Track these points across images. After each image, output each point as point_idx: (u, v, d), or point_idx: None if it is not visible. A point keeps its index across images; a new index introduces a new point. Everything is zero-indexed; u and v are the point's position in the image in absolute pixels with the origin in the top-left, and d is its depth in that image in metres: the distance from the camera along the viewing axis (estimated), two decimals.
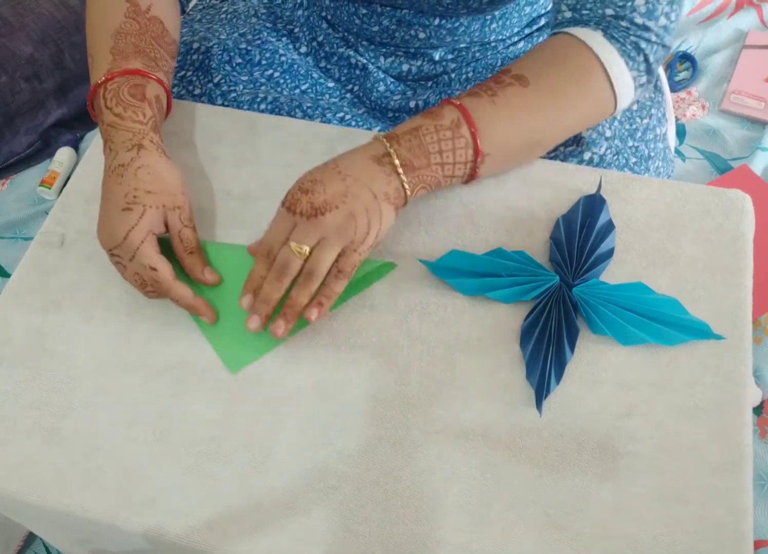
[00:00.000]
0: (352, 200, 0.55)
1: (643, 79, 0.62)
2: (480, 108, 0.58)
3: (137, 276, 0.58)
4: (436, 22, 0.72)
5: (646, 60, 0.61)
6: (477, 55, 0.78)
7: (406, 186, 0.57)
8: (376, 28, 0.75)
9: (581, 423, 0.55)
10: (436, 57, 0.77)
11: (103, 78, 0.62)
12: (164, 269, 0.57)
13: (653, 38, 0.60)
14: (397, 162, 0.56)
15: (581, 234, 0.61)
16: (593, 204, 0.63)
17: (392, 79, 0.79)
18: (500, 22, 0.74)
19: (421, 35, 0.74)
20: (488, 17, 0.73)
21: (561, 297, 0.59)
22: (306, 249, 0.55)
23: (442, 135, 0.57)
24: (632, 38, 0.60)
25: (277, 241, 0.56)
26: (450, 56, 0.78)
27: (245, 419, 0.56)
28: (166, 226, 0.59)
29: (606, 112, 0.63)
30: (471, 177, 0.60)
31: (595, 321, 0.57)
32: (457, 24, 0.72)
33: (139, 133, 0.60)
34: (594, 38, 0.60)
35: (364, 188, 0.56)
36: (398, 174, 0.57)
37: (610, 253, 0.61)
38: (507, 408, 0.55)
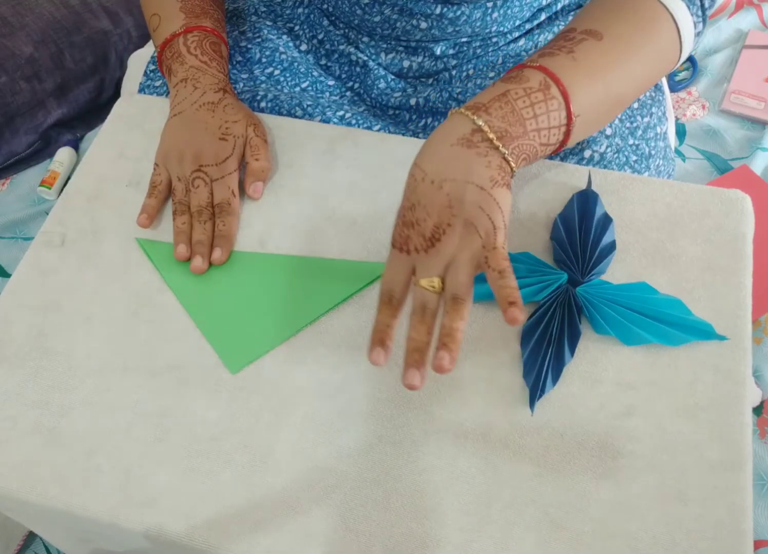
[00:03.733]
0: (459, 208, 0.50)
1: (700, 26, 0.61)
2: (563, 66, 0.55)
3: (210, 195, 0.64)
4: (438, 10, 0.72)
5: (702, 5, 0.60)
6: (478, 51, 0.78)
7: (509, 158, 0.51)
8: (377, 19, 0.75)
9: (581, 422, 0.55)
10: (437, 51, 0.77)
11: (182, 29, 0.70)
12: (238, 200, 0.65)
13: None
14: (492, 136, 0.51)
15: (581, 230, 0.61)
16: (587, 199, 0.63)
17: (393, 76, 0.79)
18: (501, 11, 0.74)
19: (423, 25, 0.74)
20: (489, 5, 0.72)
21: (565, 299, 0.59)
22: (438, 281, 0.50)
23: (534, 98, 0.53)
24: None
25: (398, 283, 0.51)
26: (451, 51, 0.77)
27: (245, 419, 0.56)
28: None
29: (673, 61, 0.62)
30: (562, 144, 0.56)
31: (598, 321, 0.57)
32: (458, 13, 0.72)
33: (222, 81, 0.69)
34: None
35: (467, 186, 0.50)
36: (497, 148, 0.51)
37: (612, 245, 0.61)
38: (507, 408, 0.55)
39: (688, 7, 0.59)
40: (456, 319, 0.49)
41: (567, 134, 0.55)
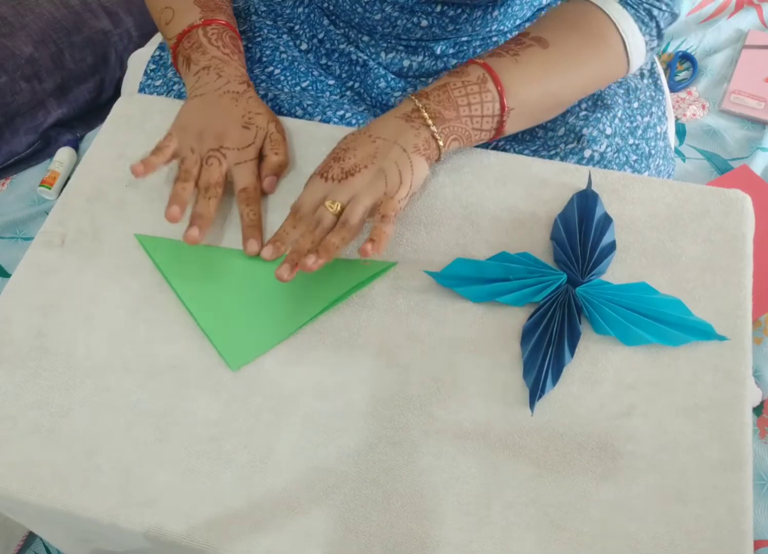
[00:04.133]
0: (380, 158, 0.59)
1: (654, 43, 0.67)
2: (504, 66, 0.62)
3: (222, 176, 0.64)
4: (439, 8, 0.72)
5: (657, 26, 0.65)
6: (478, 50, 0.78)
7: (437, 136, 0.60)
8: (378, 16, 0.74)
9: (581, 422, 0.55)
10: (438, 51, 0.77)
11: (201, 21, 0.70)
12: (259, 186, 0.65)
13: (664, 7, 0.65)
14: (426, 115, 0.60)
15: (581, 230, 0.61)
16: (587, 199, 0.63)
17: (393, 76, 0.79)
18: (502, 10, 0.74)
19: (424, 23, 0.74)
20: (490, 4, 0.73)
21: (565, 299, 0.59)
22: (338, 205, 0.58)
23: (469, 89, 0.61)
24: (645, 5, 0.64)
25: (309, 203, 0.60)
26: (451, 50, 0.77)
27: (245, 419, 0.56)
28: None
29: (619, 73, 0.68)
30: (498, 131, 0.64)
31: (598, 321, 0.57)
32: (459, 11, 0.72)
33: (244, 75, 0.70)
34: (610, 4, 0.64)
35: (393, 145, 0.59)
36: (428, 126, 0.60)
37: (612, 245, 0.61)
38: (507, 408, 0.55)
39: (640, 28, 0.65)
40: (336, 236, 0.57)
41: (501, 123, 0.63)
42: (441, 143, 0.61)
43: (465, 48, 0.77)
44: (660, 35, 0.67)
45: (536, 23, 0.66)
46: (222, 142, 0.65)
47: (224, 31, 0.71)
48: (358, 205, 0.58)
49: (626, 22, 0.64)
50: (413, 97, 0.62)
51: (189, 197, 0.62)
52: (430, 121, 0.60)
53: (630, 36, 0.64)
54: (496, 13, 0.74)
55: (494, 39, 0.78)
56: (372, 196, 0.59)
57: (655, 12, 0.65)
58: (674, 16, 0.66)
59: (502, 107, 0.62)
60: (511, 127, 0.64)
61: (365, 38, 0.79)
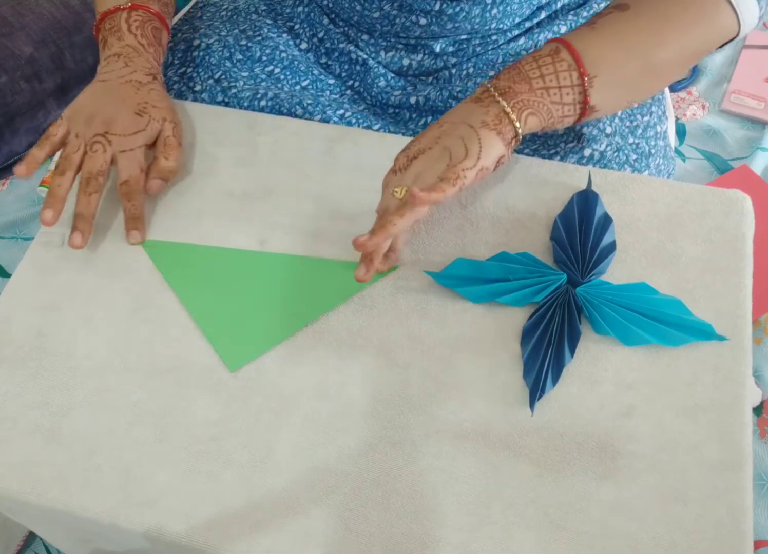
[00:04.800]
0: (445, 138, 0.56)
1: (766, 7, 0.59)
2: (578, 35, 0.58)
3: (105, 164, 0.62)
4: (437, 6, 0.72)
5: None
6: (478, 49, 0.78)
7: (508, 109, 0.56)
8: (377, 14, 0.74)
9: (581, 423, 0.55)
10: (437, 49, 0.77)
11: (128, 5, 0.68)
12: (143, 177, 0.63)
13: None
14: (495, 92, 0.57)
15: (581, 230, 0.61)
16: (587, 199, 0.63)
17: (393, 75, 0.79)
18: (501, 8, 0.73)
19: (422, 21, 0.74)
20: (489, 1, 0.72)
21: (565, 299, 0.59)
22: (403, 189, 0.56)
23: (541, 62, 0.57)
24: None
25: (384, 199, 0.58)
26: (451, 49, 0.77)
27: (245, 419, 0.56)
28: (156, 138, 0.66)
29: (728, 34, 0.59)
30: (584, 104, 0.58)
31: (598, 322, 0.57)
32: (458, 9, 0.72)
33: (155, 68, 0.69)
34: None
35: (460, 124, 0.56)
36: (497, 102, 0.57)
37: (612, 245, 0.61)
38: (507, 408, 0.55)
39: None
40: (396, 214, 0.55)
41: (585, 94, 0.58)
42: (514, 117, 0.56)
43: (465, 46, 0.77)
44: None
45: None
46: (109, 127, 0.63)
47: (149, 21, 0.69)
48: (420, 182, 0.56)
49: None
50: (485, 82, 0.59)
51: (66, 192, 0.62)
52: (499, 98, 0.56)
53: None
54: (495, 11, 0.74)
55: (494, 37, 0.78)
56: (435, 171, 0.55)
57: None
58: None
59: (582, 74, 0.57)
60: (602, 99, 0.58)
61: (365, 37, 0.79)
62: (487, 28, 0.76)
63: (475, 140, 0.55)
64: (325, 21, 0.81)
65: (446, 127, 0.57)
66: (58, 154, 0.62)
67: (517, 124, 0.57)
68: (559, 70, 0.57)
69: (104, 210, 0.66)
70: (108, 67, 0.67)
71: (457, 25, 0.74)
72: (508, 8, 0.75)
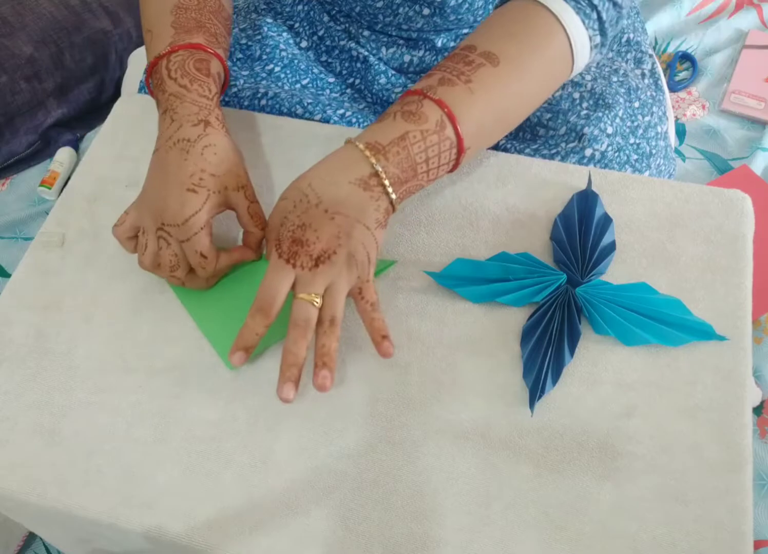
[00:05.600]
0: (346, 240, 0.53)
1: (597, 40, 0.61)
2: (460, 100, 0.56)
3: (175, 257, 0.57)
4: None
5: (600, 18, 0.60)
6: None
7: (395, 203, 0.55)
8: (380, 4, 0.74)
9: (581, 423, 0.55)
10: (439, 44, 0.77)
11: (167, 49, 0.61)
12: (213, 259, 0.57)
13: None
14: (386, 182, 0.54)
15: (581, 230, 0.61)
16: (587, 199, 0.63)
17: (393, 72, 0.79)
18: None
19: (426, 11, 0.73)
20: None
21: (565, 299, 0.59)
22: (319, 298, 0.53)
23: (429, 141, 0.55)
24: None
25: (279, 292, 0.53)
26: (452, 44, 0.77)
27: (245, 419, 0.56)
28: (230, 207, 0.59)
29: (564, 77, 0.63)
30: (450, 172, 0.59)
31: (598, 322, 0.57)
32: (461, 0, 0.72)
33: (205, 108, 0.59)
34: (553, 0, 0.59)
35: (357, 224, 0.53)
36: (388, 194, 0.55)
37: (612, 245, 0.61)
38: (507, 408, 0.55)
39: (583, 21, 0.59)
40: (333, 339, 0.53)
41: (455, 166, 0.58)
42: (397, 207, 0.56)
43: None
44: (603, 31, 0.61)
45: (480, 32, 0.61)
46: (163, 218, 0.56)
47: (190, 57, 0.61)
48: (339, 297, 0.54)
49: (569, 17, 0.59)
50: (369, 154, 0.54)
51: (188, 284, 0.59)
52: (390, 189, 0.54)
53: (574, 33, 0.59)
54: (497, 2, 0.74)
55: None
56: (348, 283, 0.54)
57: (596, 1, 0.59)
58: (617, 9, 0.60)
59: (460, 151, 0.57)
60: (466, 161, 0.60)
61: (366, 33, 0.79)
62: None
63: (373, 245, 0.54)
64: (326, 18, 0.81)
65: (341, 223, 0.53)
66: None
67: (398, 208, 0.57)
68: (442, 150, 0.56)
69: (105, 210, 0.66)
70: (159, 131, 0.59)
71: (459, 16, 0.74)
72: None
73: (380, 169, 0.54)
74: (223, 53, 0.64)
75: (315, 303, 0.53)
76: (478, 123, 0.57)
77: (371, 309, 0.54)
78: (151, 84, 0.62)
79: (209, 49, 0.62)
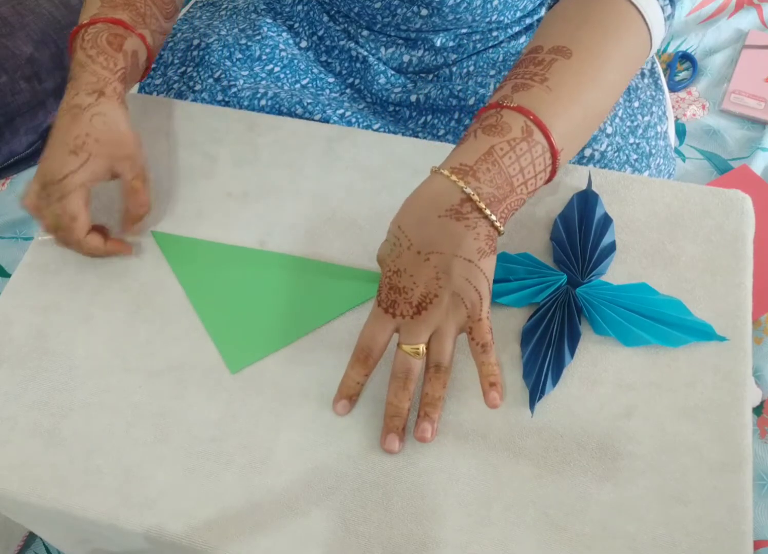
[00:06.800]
0: (446, 280, 0.50)
1: (669, 10, 0.58)
2: (540, 101, 0.53)
3: (54, 216, 0.57)
4: None
5: None
6: (478, 45, 0.78)
7: (497, 224, 0.51)
8: (378, 5, 0.74)
9: (581, 423, 0.55)
10: (438, 43, 0.77)
11: (87, 21, 0.61)
12: (83, 223, 0.58)
13: None
14: (482, 205, 0.50)
15: (581, 230, 0.61)
16: (586, 199, 0.63)
17: (393, 72, 0.79)
18: None
19: (424, 12, 0.73)
20: None
21: (565, 300, 0.59)
22: (422, 348, 0.51)
23: (518, 150, 0.51)
24: None
25: (379, 343, 0.52)
26: (451, 44, 0.77)
27: (245, 419, 0.55)
28: (115, 176, 0.60)
29: (644, 56, 0.59)
30: (549, 179, 0.55)
31: (598, 322, 0.57)
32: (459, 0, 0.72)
33: (103, 80, 0.59)
34: None
35: (455, 259, 0.50)
36: (486, 217, 0.50)
37: (612, 246, 0.61)
38: (507, 409, 0.55)
39: None
40: (438, 388, 0.52)
41: (553, 171, 0.54)
42: (501, 228, 0.51)
43: (465, 41, 0.77)
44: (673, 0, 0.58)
45: (545, 29, 0.58)
46: (46, 179, 0.57)
47: (105, 30, 0.61)
48: (446, 342, 0.51)
49: None
50: (457, 179, 0.50)
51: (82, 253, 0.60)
52: (487, 211, 0.50)
53: (645, 5, 0.55)
54: (496, 2, 0.73)
55: (494, 33, 0.77)
56: (456, 325, 0.51)
57: None
58: None
59: (554, 155, 0.52)
60: (563, 164, 0.55)
61: (365, 33, 0.79)
62: (488, 19, 0.75)
63: (481, 278, 0.50)
64: (325, 18, 0.81)
65: (437, 263, 0.50)
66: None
67: (502, 231, 0.52)
68: (535, 157, 0.52)
69: (104, 210, 0.66)
70: (63, 101, 0.59)
71: (458, 16, 0.74)
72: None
73: (471, 192, 0.50)
74: (149, 35, 0.64)
75: (417, 354, 0.51)
76: (565, 121, 0.54)
77: (481, 351, 0.51)
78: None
79: (130, 26, 0.62)
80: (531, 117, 0.52)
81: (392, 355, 0.54)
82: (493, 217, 0.50)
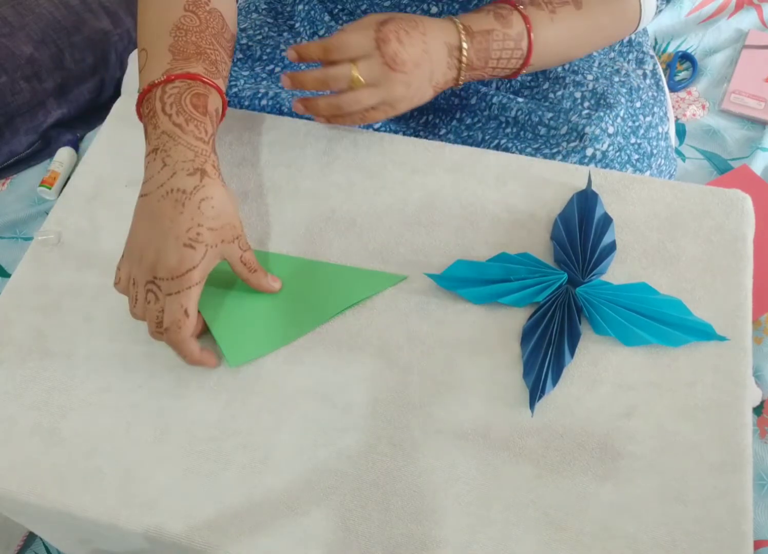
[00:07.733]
0: (415, 74, 0.60)
1: (663, 7, 0.70)
2: (541, 23, 0.65)
3: (161, 313, 0.54)
4: None
5: None
6: None
7: (460, 81, 0.64)
8: (387, 3, 0.74)
9: (581, 423, 0.55)
10: None
11: (162, 78, 0.57)
12: (194, 321, 0.54)
13: None
14: (464, 61, 0.62)
15: (581, 230, 0.61)
16: (587, 199, 0.63)
17: None
18: None
19: (434, 10, 0.73)
20: None
21: (565, 299, 0.59)
22: (363, 84, 0.59)
23: (506, 44, 0.64)
24: None
25: (351, 48, 0.59)
26: None
27: (245, 419, 0.55)
28: (223, 257, 0.56)
29: (626, 34, 0.72)
30: (507, 77, 0.68)
31: (598, 322, 0.57)
32: None
33: (201, 155, 0.55)
34: None
35: (427, 70, 0.61)
36: (459, 70, 0.63)
37: (612, 245, 0.61)
38: (507, 409, 0.55)
39: None
40: (329, 109, 0.62)
41: (514, 75, 0.68)
42: (454, 85, 0.65)
43: None
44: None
45: None
46: (155, 271, 0.53)
47: (187, 90, 0.57)
48: (368, 98, 0.60)
49: None
50: (463, 32, 0.62)
51: (190, 340, 0.55)
52: (464, 66, 0.63)
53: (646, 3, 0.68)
54: None
55: None
56: (383, 97, 0.60)
57: None
58: None
59: (524, 64, 0.65)
60: (518, 75, 0.68)
61: None
62: None
63: (418, 97, 0.63)
64: (326, 18, 0.81)
65: (423, 61, 0.61)
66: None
67: (460, 83, 0.65)
68: (513, 57, 0.65)
69: (104, 210, 0.66)
70: (148, 172, 0.55)
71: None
72: None
73: (465, 46, 0.62)
74: (222, 82, 0.61)
75: (357, 81, 0.59)
76: (546, 48, 0.66)
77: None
78: (142, 111, 0.58)
79: (208, 81, 0.58)
80: (529, 28, 0.64)
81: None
82: (462, 75, 0.64)
